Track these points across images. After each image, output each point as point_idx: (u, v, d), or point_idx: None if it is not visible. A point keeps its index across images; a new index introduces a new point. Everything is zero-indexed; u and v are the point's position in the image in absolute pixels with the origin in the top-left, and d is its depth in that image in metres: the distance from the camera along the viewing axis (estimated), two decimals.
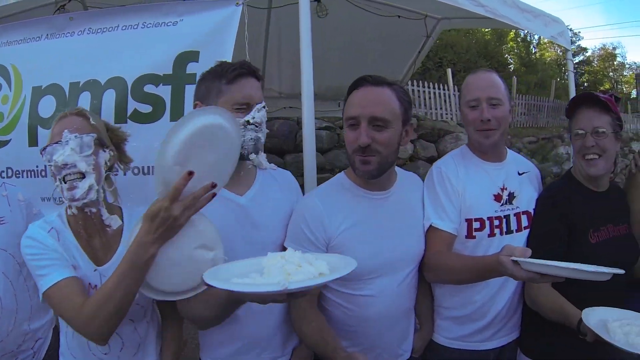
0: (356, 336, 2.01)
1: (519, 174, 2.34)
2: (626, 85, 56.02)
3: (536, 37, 28.35)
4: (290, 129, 7.62)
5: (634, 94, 46.23)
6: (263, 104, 1.93)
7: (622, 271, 1.67)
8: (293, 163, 7.08)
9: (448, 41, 17.76)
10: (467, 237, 2.19)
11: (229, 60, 2.63)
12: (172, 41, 2.93)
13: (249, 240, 1.91)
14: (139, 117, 2.81)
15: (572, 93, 4.71)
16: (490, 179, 2.26)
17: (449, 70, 13.50)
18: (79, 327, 1.67)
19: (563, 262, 1.67)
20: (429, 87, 12.52)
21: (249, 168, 1.97)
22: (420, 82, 12.65)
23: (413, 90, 12.39)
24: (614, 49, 56.43)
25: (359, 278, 1.95)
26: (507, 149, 2.41)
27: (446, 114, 12.58)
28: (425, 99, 12.54)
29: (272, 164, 2.10)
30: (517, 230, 2.24)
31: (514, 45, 27.56)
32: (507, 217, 2.23)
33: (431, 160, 8.80)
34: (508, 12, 3.98)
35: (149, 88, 2.83)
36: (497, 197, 2.23)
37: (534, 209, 2.28)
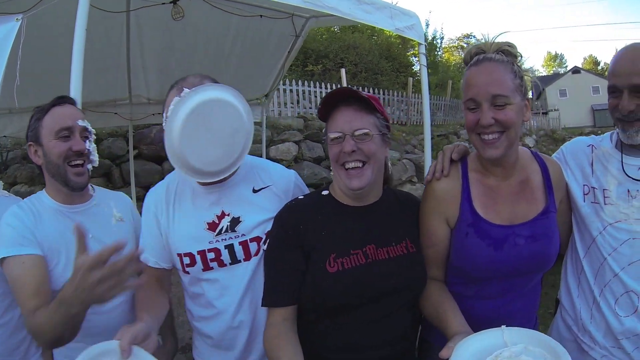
0: None
1: (254, 192, 1.98)
2: None
3: (439, 40, 29.24)
4: None
5: (530, 94, 50.32)
6: None
7: None
8: (171, 169, 6.80)
9: (351, 43, 17.92)
10: (183, 272, 1.96)
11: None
12: None
13: None
14: None
15: (425, 90, 4.64)
16: (205, 204, 1.92)
17: (343, 71, 13.50)
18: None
19: None
20: (320, 88, 12.44)
21: None
22: (312, 82, 12.53)
23: (304, 91, 12.22)
24: None
25: None
26: (251, 160, 2.08)
27: None
28: (317, 99, 12.42)
29: (5, 191, 2.13)
30: (245, 259, 1.92)
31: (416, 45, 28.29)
32: (229, 247, 1.90)
33: (317, 160, 8.75)
34: (337, 4, 3.82)
35: None
36: (212, 226, 1.90)
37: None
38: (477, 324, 1.70)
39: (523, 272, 1.83)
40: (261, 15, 4.73)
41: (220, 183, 1.91)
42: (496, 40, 1.79)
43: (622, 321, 1.88)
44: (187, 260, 1.90)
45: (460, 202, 1.85)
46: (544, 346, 1.43)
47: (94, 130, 1.99)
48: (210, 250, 1.89)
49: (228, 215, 1.91)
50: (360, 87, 13.70)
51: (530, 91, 1.86)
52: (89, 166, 1.97)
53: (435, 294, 1.85)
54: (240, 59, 5.48)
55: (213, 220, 1.90)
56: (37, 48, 3.82)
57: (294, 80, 11.90)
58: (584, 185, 1.99)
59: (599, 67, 71.18)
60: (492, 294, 1.86)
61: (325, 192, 1.91)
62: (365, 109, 1.77)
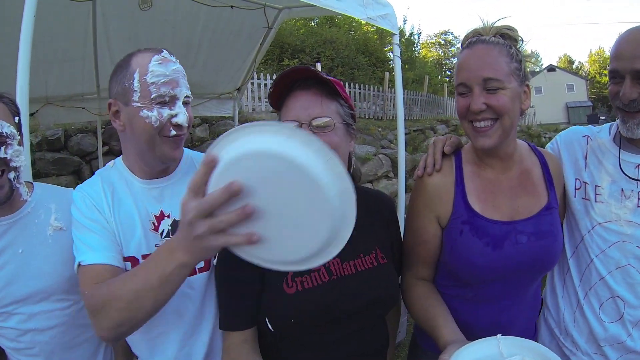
0: None
1: None
2: None
3: (416, 36, 29.40)
4: None
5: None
6: None
7: None
8: None
9: (327, 37, 17.86)
10: None
11: None
12: None
13: None
14: None
15: (399, 81, 4.57)
16: (144, 202, 1.67)
17: (318, 65, 13.48)
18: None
19: None
20: None
21: None
22: None
23: None
24: None
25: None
26: (192, 154, 1.83)
27: None
28: None
29: None
30: (201, 270, 1.67)
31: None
32: None
33: None
34: None
35: None
36: (155, 227, 1.66)
37: None
38: (475, 332, 1.56)
39: (525, 272, 1.67)
40: (232, 6, 4.62)
41: (162, 177, 1.70)
42: (496, 25, 1.63)
43: (606, 327, 1.76)
44: (129, 265, 1.61)
45: (454, 197, 1.68)
46: (541, 357, 1.34)
47: (14, 132, 1.67)
48: None
49: (168, 217, 1.66)
50: None
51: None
52: (11, 175, 1.68)
53: (423, 297, 1.71)
54: (210, 51, 5.34)
55: (153, 221, 1.65)
56: None
57: (268, 74, 11.75)
58: (575, 179, 1.83)
59: (574, 66, 73.34)
60: (490, 297, 1.70)
61: None
62: (326, 93, 1.51)
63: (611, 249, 1.73)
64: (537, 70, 55.45)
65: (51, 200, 1.86)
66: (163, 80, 1.54)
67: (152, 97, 1.53)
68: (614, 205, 1.73)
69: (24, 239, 1.76)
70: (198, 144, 8.03)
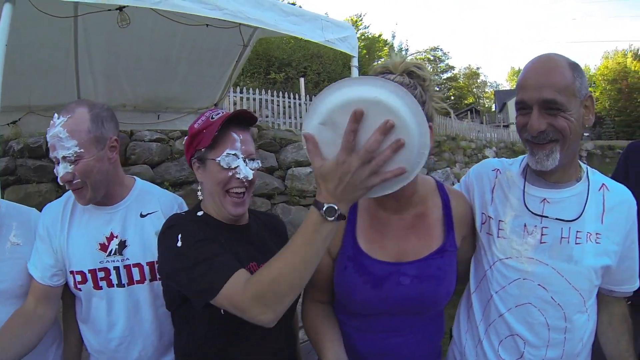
0: None
1: (142, 216, 2.01)
2: (487, 100, 64.28)
3: (404, 51, 29.69)
4: (120, 141, 7.40)
5: (493, 107, 53.12)
6: None
7: None
8: None
9: (315, 51, 18.00)
10: (75, 289, 1.94)
11: None
12: None
13: None
14: None
15: None
16: (98, 224, 1.96)
17: (302, 80, 13.64)
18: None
19: None
20: (277, 97, 12.42)
21: None
22: (272, 92, 12.50)
23: (266, 99, 12.16)
24: (478, 68, 65.70)
25: None
26: (143, 185, 2.12)
27: (296, 123, 12.60)
28: (277, 108, 12.52)
29: None
30: (129, 284, 1.94)
31: (388, 58, 28.69)
32: (116, 269, 1.93)
33: (270, 170, 8.74)
34: (261, 16, 3.82)
35: None
36: (103, 247, 1.94)
37: None
38: (362, 357, 1.69)
39: (409, 311, 1.68)
40: (207, 25, 4.77)
41: (110, 205, 2.00)
42: (406, 60, 1.57)
43: None
44: (78, 277, 1.92)
45: (344, 233, 1.70)
46: None
47: None
48: (100, 270, 1.93)
49: (116, 237, 1.96)
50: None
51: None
52: None
53: (316, 319, 1.77)
54: (188, 67, 5.52)
55: (104, 242, 1.95)
56: None
57: (252, 88, 11.90)
58: (482, 213, 1.83)
59: None
60: (376, 329, 1.71)
61: (200, 213, 1.79)
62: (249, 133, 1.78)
63: (511, 286, 1.72)
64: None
65: (14, 219, 2.04)
66: (50, 145, 1.85)
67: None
68: (515, 241, 1.71)
69: None
70: (178, 156, 8.17)
